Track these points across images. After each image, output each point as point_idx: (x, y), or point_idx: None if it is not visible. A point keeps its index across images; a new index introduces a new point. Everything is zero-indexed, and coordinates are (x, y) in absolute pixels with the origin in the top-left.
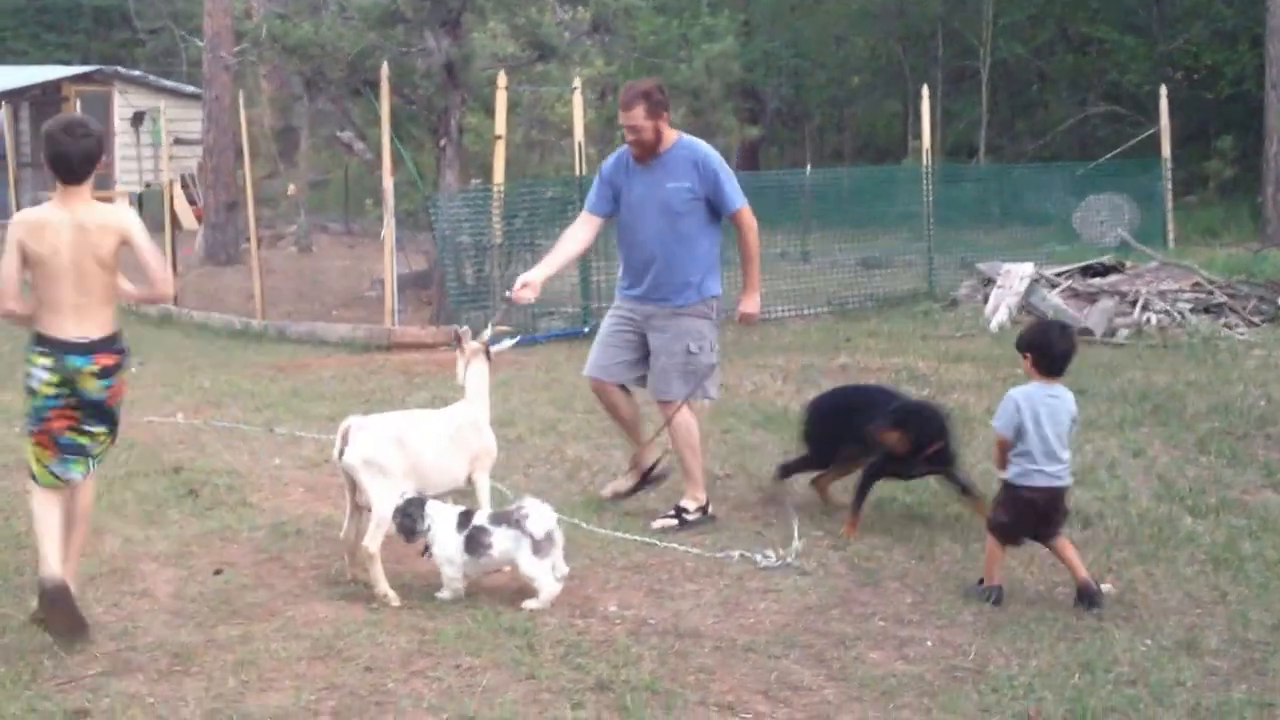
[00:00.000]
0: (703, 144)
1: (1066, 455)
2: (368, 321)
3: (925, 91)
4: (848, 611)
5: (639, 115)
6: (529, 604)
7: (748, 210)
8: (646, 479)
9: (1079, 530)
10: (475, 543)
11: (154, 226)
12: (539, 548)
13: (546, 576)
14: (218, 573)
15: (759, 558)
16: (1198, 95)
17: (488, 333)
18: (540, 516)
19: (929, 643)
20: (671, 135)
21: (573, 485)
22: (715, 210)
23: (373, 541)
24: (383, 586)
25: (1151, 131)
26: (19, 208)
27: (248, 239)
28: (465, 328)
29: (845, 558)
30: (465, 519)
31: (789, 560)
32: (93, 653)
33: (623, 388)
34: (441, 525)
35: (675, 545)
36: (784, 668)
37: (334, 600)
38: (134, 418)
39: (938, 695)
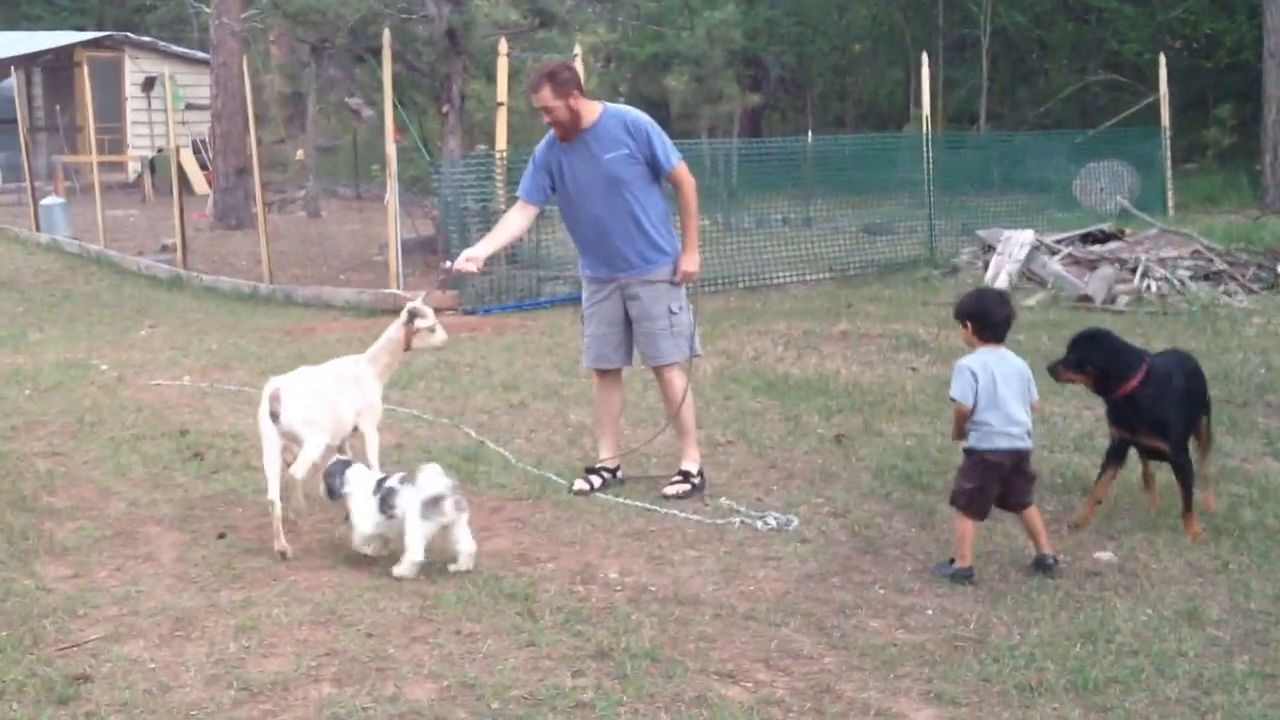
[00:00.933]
0: (631, 109)
1: (1025, 417)
2: (374, 286)
3: (926, 59)
4: (848, 579)
5: (547, 96)
6: (453, 567)
7: (683, 167)
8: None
9: (1079, 497)
10: (386, 504)
11: (165, 190)
12: (426, 511)
13: (418, 542)
14: (221, 536)
15: (759, 524)
16: (1196, 64)
17: (418, 301)
18: (431, 479)
19: (930, 611)
20: (594, 108)
21: (574, 450)
22: (654, 171)
23: (300, 471)
24: (281, 541)
25: (1151, 100)
26: (31, 170)
27: (257, 203)
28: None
29: (845, 525)
30: (380, 483)
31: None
32: (95, 617)
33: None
34: (358, 489)
35: (676, 511)
36: (784, 636)
37: (336, 565)
38: (142, 380)
39: (938, 665)
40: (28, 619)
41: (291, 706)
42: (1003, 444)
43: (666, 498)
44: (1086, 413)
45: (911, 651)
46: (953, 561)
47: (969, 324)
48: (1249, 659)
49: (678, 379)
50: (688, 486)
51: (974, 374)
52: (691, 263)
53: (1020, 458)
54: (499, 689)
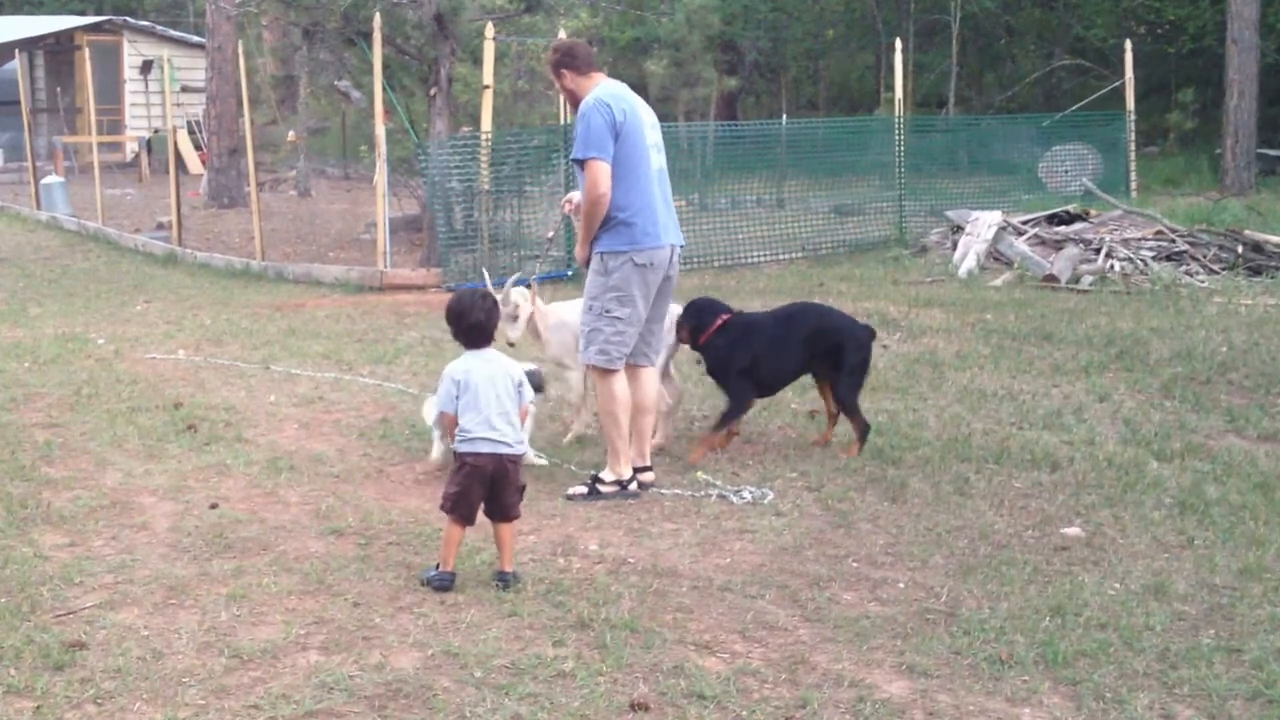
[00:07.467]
0: (594, 94)
1: (506, 424)
2: (361, 263)
3: (898, 44)
4: (822, 553)
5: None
6: None
7: (592, 165)
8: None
9: (1048, 473)
10: None
11: (161, 170)
12: None
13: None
14: (213, 507)
15: (735, 498)
16: (1160, 49)
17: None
18: None
19: (901, 585)
20: (588, 87)
21: (555, 425)
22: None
23: None
24: None
25: (1116, 84)
26: (33, 149)
27: (249, 183)
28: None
29: (819, 499)
30: None
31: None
32: (91, 585)
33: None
34: None
35: (653, 486)
36: (759, 608)
37: (324, 535)
38: (137, 354)
39: (910, 637)
40: (25, 586)
41: (280, 674)
42: (484, 448)
43: (567, 496)
44: (1054, 390)
45: (884, 624)
46: (438, 567)
47: (450, 328)
48: (1215, 633)
49: (599, 382)
50: (584, 490)
51: (455, 382)
52: (577, 252)
53: (501, 462)
54: (482, 658)
